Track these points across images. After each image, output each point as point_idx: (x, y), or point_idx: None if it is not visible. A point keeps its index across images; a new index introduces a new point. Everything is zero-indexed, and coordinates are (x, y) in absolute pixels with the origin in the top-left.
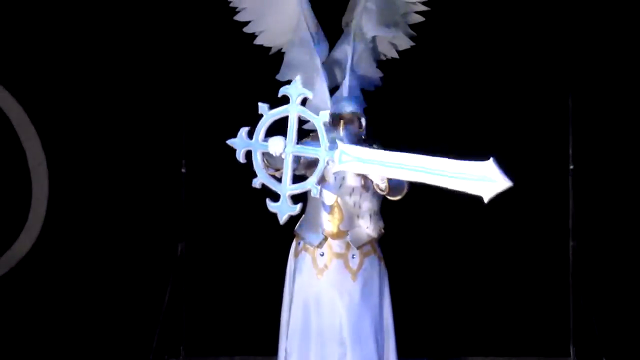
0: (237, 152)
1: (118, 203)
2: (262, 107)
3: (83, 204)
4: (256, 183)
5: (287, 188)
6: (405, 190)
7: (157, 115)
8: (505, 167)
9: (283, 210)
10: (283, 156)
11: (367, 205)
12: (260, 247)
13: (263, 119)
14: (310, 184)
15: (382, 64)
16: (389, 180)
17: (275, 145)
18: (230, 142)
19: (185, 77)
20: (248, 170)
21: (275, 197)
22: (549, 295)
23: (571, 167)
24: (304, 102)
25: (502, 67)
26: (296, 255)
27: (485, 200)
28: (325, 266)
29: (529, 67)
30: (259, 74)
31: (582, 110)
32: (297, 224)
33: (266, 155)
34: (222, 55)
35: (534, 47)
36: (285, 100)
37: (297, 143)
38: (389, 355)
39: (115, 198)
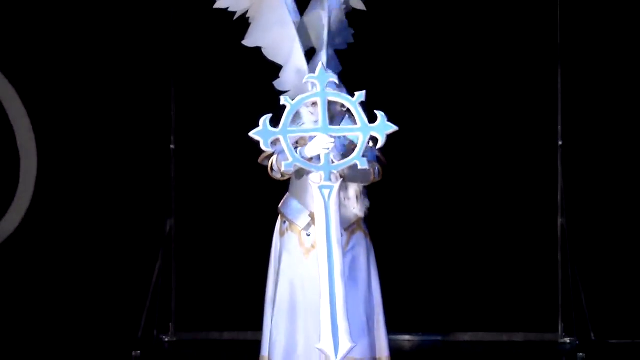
0: (264, 141)
1: (107, 179)
2: (285, 99)
3: (72, 181)
4: (290, 166)
5: (330, 166)
6: (372, 178)
7: (146, 92)
8: (494, 143)
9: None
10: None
11: (353, 187)
12: (249, 223)
13: (289, 108)
14: (356, 158)
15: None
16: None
17: (322, 144)
18: (253, 133)
19: (175, 53)
20: (237, 147)
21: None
22: (538, 272)
23: (560, 143)
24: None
25: (490, 42)
26: (282, 234)
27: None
28: (312, 246)
29: (517, 43)
30: (249, 51)
31: (571, 86)
32: (282, 202)
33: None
34: (212, 33)
35: (522, 22)
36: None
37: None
38: (379, 330)
39: (104, 174)
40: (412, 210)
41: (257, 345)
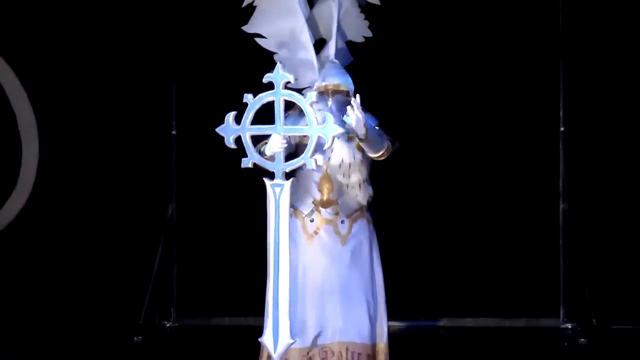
0: (226, 138)
1: (109, 165)
2: (247, 97)
3: (74, 166)
4: (247, 163)
5: (281, 165)
6: (385, 148)
7: (147, 78)
8: (496, 130)
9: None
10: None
11: (357, 175)
12: (250, 208)
13: (250, 105)
14: (304, 159)
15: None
16: (367, 130)
17: (276, 143)
18: (218, 129)
19: (176, 39)
20: None
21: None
22: (540, 258)
23: (562, 129)
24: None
25: (493, 29)
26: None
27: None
28: (315, 232)
29: (519, 29)
30: (251, 38)
31: (573, 73)
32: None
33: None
34: (214, 19)
35: (525, 8)
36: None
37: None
38: (381, 316)
39: (105, 160)
40: (415, 197)
41: (258, 330)
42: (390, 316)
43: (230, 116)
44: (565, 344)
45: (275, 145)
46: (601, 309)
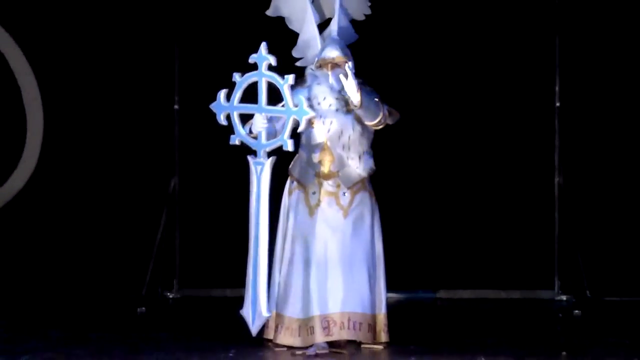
0: (217, 114)
1: (112, 138)
2: (235, 75)
3: (77, 140)
4: (234, 140)
5: (262, 144)
6: (381, 115)
7: (150, 54)
8: (493, 105)
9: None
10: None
11: (356, 146)
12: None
13: (237, 85)
14: (280, 140)
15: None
16: (362, 97)
17: (258, 122)
18: (211, 106)
19: (178, 16)
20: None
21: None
22: (535, 231)
23: (557, 104)
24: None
25: (492, 9)
26: (290, 193)
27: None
28: (317, 204)
29: (517, 9)
30: (253, 13)
31: (569, 50)
32: (291, 164)
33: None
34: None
35: None
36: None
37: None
38: (380, 287)
39: (109, 133)
40: (415, 172)
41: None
42: (390, 287)
43: (222, 94)
44: (560, 315)
45: (258, 124)
46: (595, 281)
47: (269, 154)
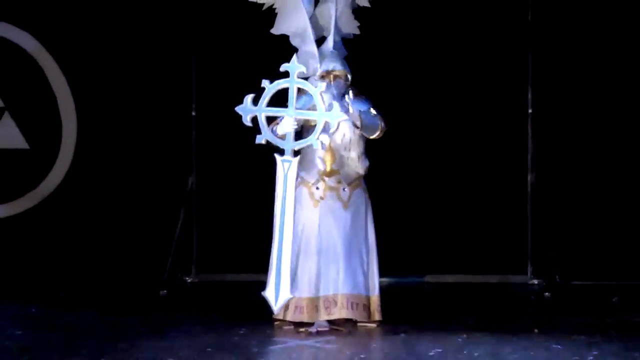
0: (244, 117)
1: (137, 142)
2: (265, 82)
3: (107, 143)
4: (261, 140)
5: (291, 144)
6: (378, 130)
7: (170, 66)
8: (473, 112)
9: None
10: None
11: (355, 147)
12: (259, 180)
13: (266, 90)
14: (311, 140)
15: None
16: (362, 119)
17: (288, 124)
18: (237, 109)
19: (195, 32)
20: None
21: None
22: (511, 223)
23: (530, 111)
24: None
25: (472, 25)
26: (295, 189)
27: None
28: (321, 198)
29: (494, 25)
30: (261, 28)
31: (540, 63)
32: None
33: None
34: (231, 7)
35: (499, 6)
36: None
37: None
38: (373, 272)
39: (134, 137)
40: (404, 170)
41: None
42: (383, 272)
43: (249, 98)
44: (532, 297)
45: (287, 126)
46: (564, 268)
47: (278, 152)
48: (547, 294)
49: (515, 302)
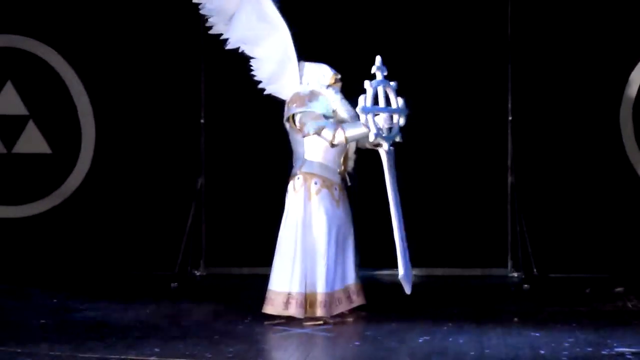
0: (364, 116)
1: (151, 145)
2: (367, 83)
3: (123, 147)
4: (376, 138)
5: (390, 136)
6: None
7: (180, 76)
8: (457, 118)
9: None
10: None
11: (353, 152)
12: (265, 182)
13: (367, 92)
14: (398, 134)
15: None
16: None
17: (384, 120)
18: (358, 110)
19: (204, 41)
20: (257, 120)
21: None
22: (492, 220)
23: (510, 118)
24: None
25: (455, 36)
26: (317, 193)
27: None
28: (339, 198)
29: (476, 41)
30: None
31: (519, 73)
32: (306, 168)
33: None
34: None
35: (479, 17)
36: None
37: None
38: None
39: (148, 141)
40: (397, 171)
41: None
42: (375, 266)
43: (362, 99)
44: (512, 289)
45: (384, 121)
46: (541, 261)
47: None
48: (525, 285)
49: (496, 293)
